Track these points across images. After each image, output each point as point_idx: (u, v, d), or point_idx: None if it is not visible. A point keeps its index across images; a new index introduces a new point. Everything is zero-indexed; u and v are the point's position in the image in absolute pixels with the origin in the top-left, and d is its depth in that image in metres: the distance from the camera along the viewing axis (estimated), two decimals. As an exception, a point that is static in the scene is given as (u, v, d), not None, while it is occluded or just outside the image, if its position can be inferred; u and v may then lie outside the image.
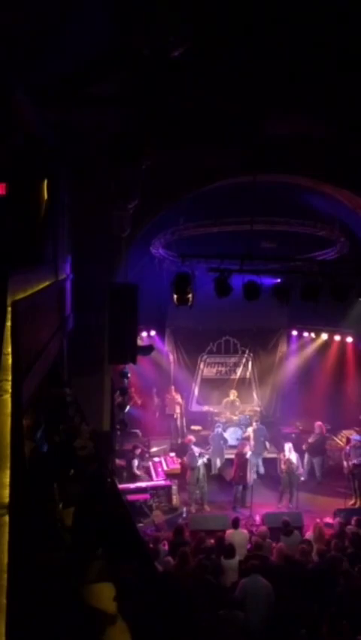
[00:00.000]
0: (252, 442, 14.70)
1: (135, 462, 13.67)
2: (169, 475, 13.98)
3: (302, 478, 14.01)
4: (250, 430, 15.21)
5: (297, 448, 14.26)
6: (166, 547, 9.85)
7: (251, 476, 13.80)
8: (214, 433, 15.41)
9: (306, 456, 14.67)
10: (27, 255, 6.37)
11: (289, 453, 13.72)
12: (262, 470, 14.84)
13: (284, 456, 13.79)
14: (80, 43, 7.48)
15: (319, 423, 15.16)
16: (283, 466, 13.77)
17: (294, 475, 13.54)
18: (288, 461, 13.61)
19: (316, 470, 14.71)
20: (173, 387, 17.28)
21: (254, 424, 15.37)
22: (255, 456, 14.56)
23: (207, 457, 14.12)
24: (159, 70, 7.35)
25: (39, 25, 6.37)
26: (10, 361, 2.74)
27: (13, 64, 5.82)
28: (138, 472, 13.61)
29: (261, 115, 9.09)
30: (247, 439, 14.83)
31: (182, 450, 15.48)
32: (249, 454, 13.79)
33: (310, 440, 14.79)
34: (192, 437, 14.88)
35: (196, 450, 13.61)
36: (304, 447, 14.68)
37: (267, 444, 15.07)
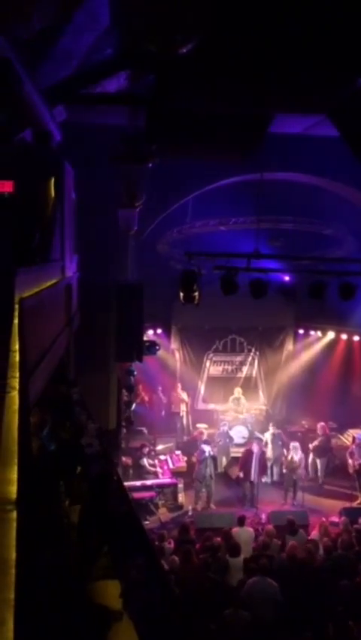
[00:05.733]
0: (270, 446, 14.67)
1: (145, 460, 13.71)
2: (175, 473, 14.00)
3: (302, 477, 13.98)
4: (267, 435, 15.10)
5: (302, 447, 14.26)
6: (172, 546, 9.87)
7: (256, 474, 13.81)
8: (220, 431, 15.42)
9: (310, 456, 14.66)
10: (34, 253, 6.38)
11: (294, 452, 13.72)
12: (276, 477, 14.62)
13: (287, 454, 13.81)
14: (87, 41, 7.49)
15: (322, 424, 15.14)
16: (285, 465, 13.81)
17: (296, 474, 13.55)
18: (290, 460, 13.63)
19: (319, 470, 14.69)
20: (179, 386, 17.29)
21: (271, 428, 15.20)
22: (271, 460, 14.55)
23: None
24: (166, 68, 7.35)
25: (47, 25, 6.38)
26: (17, 358, 2.74)
27: (22, 62, 5.84)
28: (151, 470, 13.66)
29: (268, 113, 9.07)
30: (265, 445, 14.81)
31: (188, 448, 15.49)
32: (255, 450, 13.82)
33: (315, 443, 14.72)
34: (203, 431, 14.92)
35: (206, 448, 13.62)
36: (310, 448, 14.66)
37: (284, 450, 14.65)
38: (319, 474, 14.67)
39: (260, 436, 15.43)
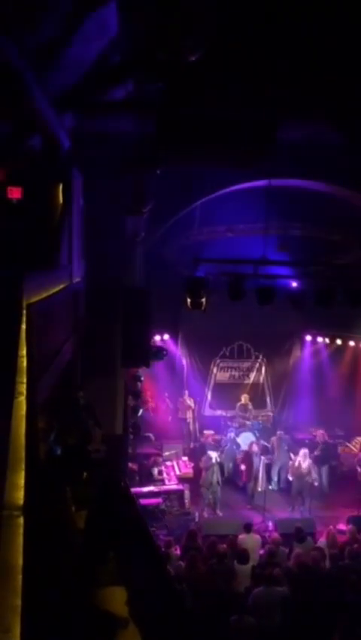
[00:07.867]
0: (276, 452, 14.62)
1: (155, 470, 13.72)
2: (182, 479, 13.96)
3: (316, 484, 13.92)
4: (273, 440, 15.08)
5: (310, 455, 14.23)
6: (178, 552, 9.83)
7: (260, 477, 13.82)
8: (227, 437, 15.38)
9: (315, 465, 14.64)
10: (42, 258, 6.41)
11: (303, 459, 13.65)
12: (283, 484, 14.54)
13: (295, 460, 13.78)
14: (96, 49, 7.53)
15: (321, 431, 15.11)
16: (291, 472, 13.80)
17: (303, 481, 13.47)
18: (297, 467, 13.58)
19: (323, 478, 14.62)
20: (186, 392, 17.27)
21: (278, 432, 15.22)
22: (277, 465, 14.52)
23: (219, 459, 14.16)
24: (174, 75, 7.38)
25: (55, 31, 6.42)
26: (24, 364, 2.75)
27: (30, 69, 5.87)
28: (159, 478, 13.66)
29: (277, 120, 9.08)
30: (270, 449, 14.81)
31: (195, 453, 15.47)
32: (255, 452, 13.87)
33: (315, 453, 14.65)
34: (213, 436, 14.93)
35: (213, 454, 13.61)
36: (311, 457, 14.60)
37: (291, 454, 14.63)
38: (323, 482, 14.60)
39: (265, 443, 15.41)
